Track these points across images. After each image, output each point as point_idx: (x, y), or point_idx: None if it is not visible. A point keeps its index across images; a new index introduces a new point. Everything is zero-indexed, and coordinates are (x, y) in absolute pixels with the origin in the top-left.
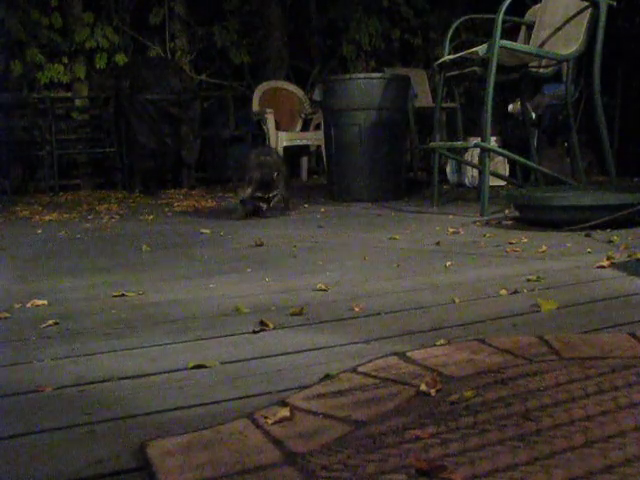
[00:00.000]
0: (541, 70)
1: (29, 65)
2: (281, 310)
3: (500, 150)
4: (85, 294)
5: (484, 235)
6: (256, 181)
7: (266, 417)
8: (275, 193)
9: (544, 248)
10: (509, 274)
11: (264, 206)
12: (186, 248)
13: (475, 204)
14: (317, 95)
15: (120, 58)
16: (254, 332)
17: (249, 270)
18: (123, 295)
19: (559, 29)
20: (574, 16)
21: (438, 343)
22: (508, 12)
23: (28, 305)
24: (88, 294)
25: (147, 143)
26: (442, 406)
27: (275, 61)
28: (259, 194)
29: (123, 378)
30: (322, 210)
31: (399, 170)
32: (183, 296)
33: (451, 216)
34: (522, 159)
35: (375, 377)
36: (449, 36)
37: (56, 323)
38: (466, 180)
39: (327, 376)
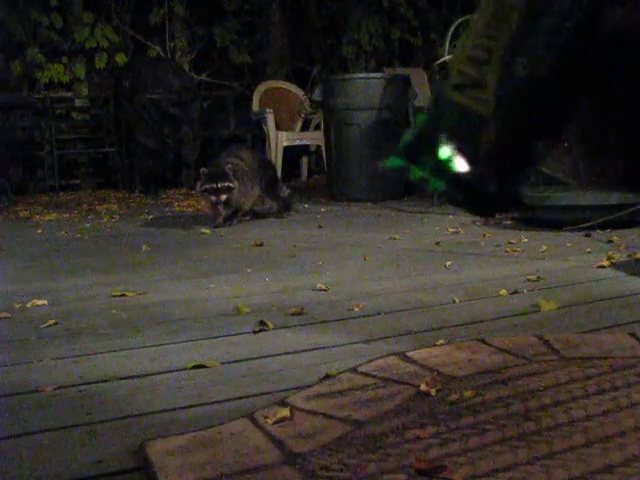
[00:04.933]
0: None
1: (29, 65)
2: (281, 310)
3: None
4: (85, 294)
5: (484, 235)
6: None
7: (266, 417)
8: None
9: (544, 248)
10: (509, 274)
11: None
12: (186, 248)
13: None
14: (317, 95)
15: (120, 58)
16: (254, 332)
17: (249, 270)
18: (123, 295)
19: None
20: None
21: (438, 343)
22: None
23: (28, 305)
24: (88, 294)
25: (147, 143)
26: (442, 406)
27: (275, 61)
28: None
29: (123, 378)
30: (322, 210)
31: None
32: (183, 296)
33: (451, 216)
34: None
35: (375, 377)
36: (449, 36)
37: (56, 323)
38: None
39: (327, 376)
